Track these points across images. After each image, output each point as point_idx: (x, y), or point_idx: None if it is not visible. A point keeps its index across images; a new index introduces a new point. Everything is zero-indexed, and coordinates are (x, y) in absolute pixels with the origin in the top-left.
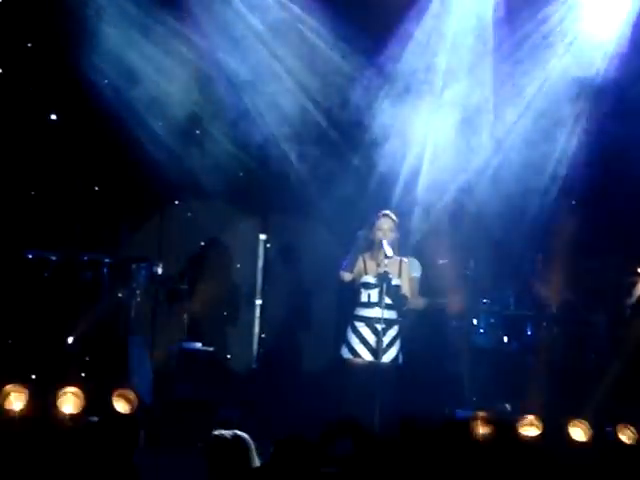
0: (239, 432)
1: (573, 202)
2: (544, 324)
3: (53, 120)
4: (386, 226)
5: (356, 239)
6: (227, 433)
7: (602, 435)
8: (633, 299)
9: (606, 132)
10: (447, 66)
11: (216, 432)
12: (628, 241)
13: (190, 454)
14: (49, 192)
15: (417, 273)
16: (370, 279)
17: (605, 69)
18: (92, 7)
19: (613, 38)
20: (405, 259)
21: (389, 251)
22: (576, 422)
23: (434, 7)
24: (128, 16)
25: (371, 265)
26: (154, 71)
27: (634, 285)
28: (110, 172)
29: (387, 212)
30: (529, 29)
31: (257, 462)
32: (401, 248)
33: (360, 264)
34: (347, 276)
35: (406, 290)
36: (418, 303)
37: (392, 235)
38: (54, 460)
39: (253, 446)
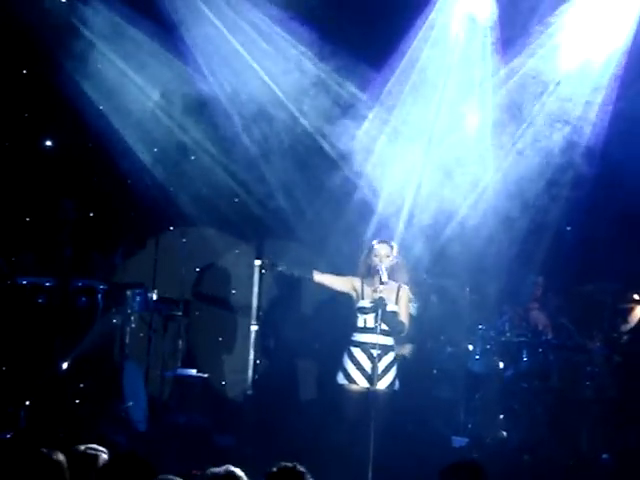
0: (231, 467)
1: (568, 228)
2: (540, 350)
3: (48, 146)
4: (383, 252)
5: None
6: (219, 470)
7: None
8: (629, 325)
9: (601, 158)
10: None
11: (208, 471)
12: (624, 267)
13: None
14: (44, 218)
15: (413, 302)
16: (366, 304)
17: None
18: (87, 36)
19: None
20: (404, 286)
21: (385, 277)
22: None
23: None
24: (123, 44)
25: (368, 290)
26: (148, 99)
27: (630, 311)
28: (105, 198)
29: (383, 239)
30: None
31: None
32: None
33: (357, 288)
34: (315, 275)
35: (403, 317)
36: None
37: (389, 261)
38: None
39: None
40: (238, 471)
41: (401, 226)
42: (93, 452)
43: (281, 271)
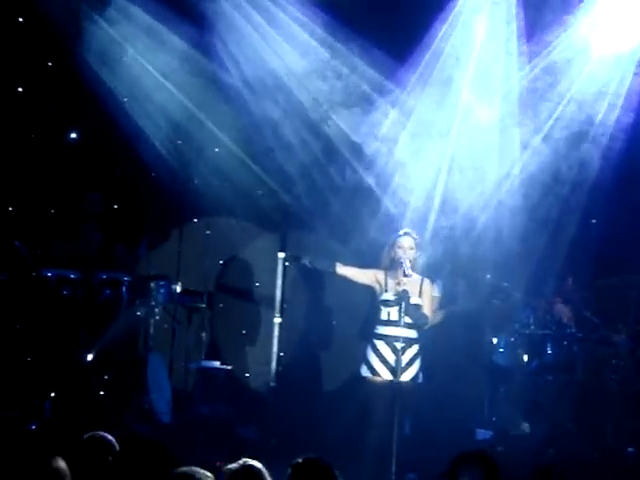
0: (250, 460)
1: (594, 220)
2: (564, 343)
3: (73, 138)
4: (406, 244)
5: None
6: (237, 465)
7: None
8: None
9: (624, 149)
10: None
11: (226, 468)
12: None
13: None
14: (69, 210)
15: (437, 293)
16: (390, 297)
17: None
18: (111, 28)
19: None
20: (427, 279)
21: (408, 270)
22: None
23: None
24: (147, 35)
25: (391, 283)
26: (173, 89)
27: None
28: (129, 190)
29: (408, 230)
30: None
31: None
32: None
33: (381, 281)
34: (338, 268)
35: (427, 310)
36: (436, 318)
37: (412, 253)
38: None
39: (265, 473)
40: (256, 463)
41: (432, 218)
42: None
43: (304, 264)
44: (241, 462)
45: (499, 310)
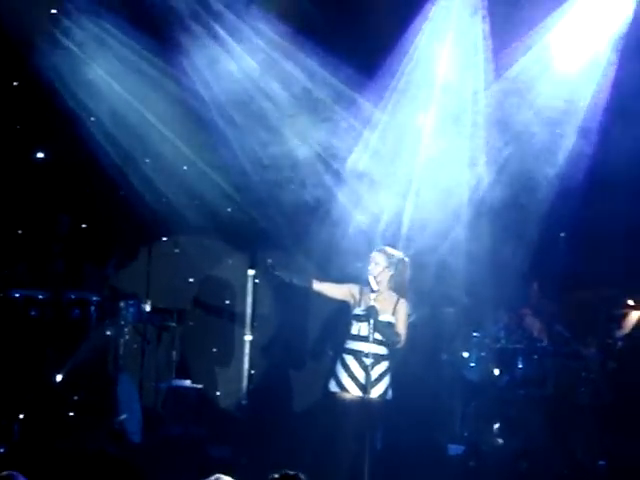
0: (222, 476)
1: (562, 234)
2: (535, 357)
3: (40, 158)
4: (373, 261)
5: None
6: None
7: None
8: (624, 331)
9: (594, 163)
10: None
11: None
12: (619, 273)
13: None
14: (36, 231)
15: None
16: (360, 311)
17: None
18: (78, 45)
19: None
20: (402, 299)
21: (374, 285)
22: None
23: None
24: (114, 55)
25: (365, 298)
26: (140, 108)
27: (625, 317)
28: (97, 210)
29: (383, 247)
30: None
31: None
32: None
33: (355, 295)
34: (314, 283)
35: (400, 329)
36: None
37: (379, 270)
38: None
39: None
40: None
41: (404, 233)
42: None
43: (279, 277)
44: (214, 477)
45: (453, 317)
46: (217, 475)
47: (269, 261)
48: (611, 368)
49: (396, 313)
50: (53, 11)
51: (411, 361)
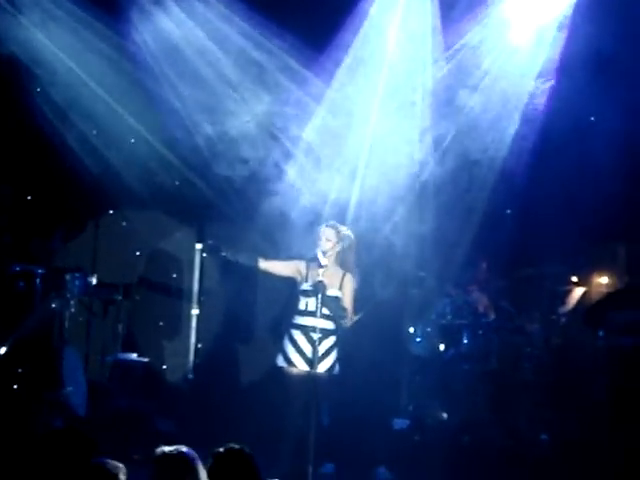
0: (183, 448)
1: (508, 211)
2: (480, 332)
3: None
4: (324, 236)
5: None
6: (170, 449)
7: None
8: (568, 308)
9: (543, 144)
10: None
11: (159, 449)
12: (563, 250)
13: (126, 467)
14: None
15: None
16: (307, 287)
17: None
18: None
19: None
20: (348, 273)
21: (323, 260)
22: None
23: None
24: (60, 24)
25: (312, 274)
26: (87, 79)
27: (569, 294)
28: (43, 182)
29: (331, 222)
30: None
31: (204, 477)
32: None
33: (302, 271)
34: (260, 262)
35: (347, 303)
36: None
37: (330, 245)
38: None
39: (198, 462)
40: (190, 451)
41: (351, 211)
42: None
43: (225, 256)
44: (174, 448)
45: (416, 299)
46: (178, 446)
47: (210, 242)
48: (554, 344)
49: (343, 288)
50: None
51: (357, 336)
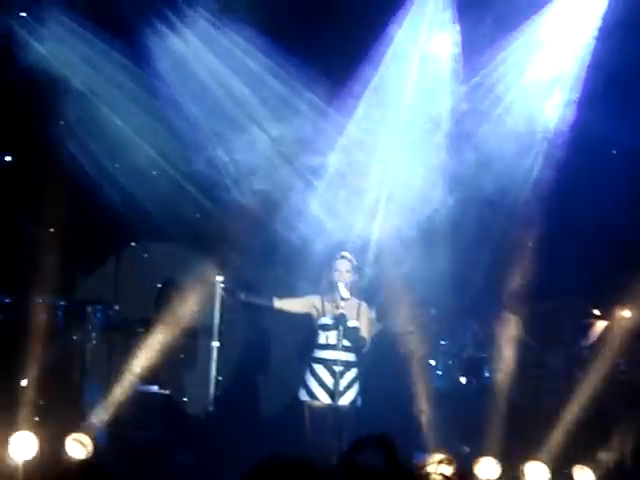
0: None
1: (530, 244)
2: (501, 366)
3: (7, 161)
4: (343, 268)
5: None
6: None
7: (559, 477)
8: (590, 341)
9: (562, 176)
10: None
11: None
12: (585, 283)
13: None
14: (4, 235)
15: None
16: (327, 320)
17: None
18: (45, 45)
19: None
20: (364, 302)
21: (345, 293)
22: (533, 463)
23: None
24: (82, 57)
25: (329, 307)
26: (110, 112)
27: (591, 327)
28: (66, 214)
29: (345, 254)
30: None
31: None
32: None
33: (318, 306)
34: (275, 302)
35: (365, 332)
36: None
37: (349, 277)
38: None
39: None
40: None
41: (373, 242)
42: None
43: (240, 298)
44: None
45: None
46: None
47: (224, 285)
48: (577, 377)
49: (360, 317)
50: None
51: (379, 368)
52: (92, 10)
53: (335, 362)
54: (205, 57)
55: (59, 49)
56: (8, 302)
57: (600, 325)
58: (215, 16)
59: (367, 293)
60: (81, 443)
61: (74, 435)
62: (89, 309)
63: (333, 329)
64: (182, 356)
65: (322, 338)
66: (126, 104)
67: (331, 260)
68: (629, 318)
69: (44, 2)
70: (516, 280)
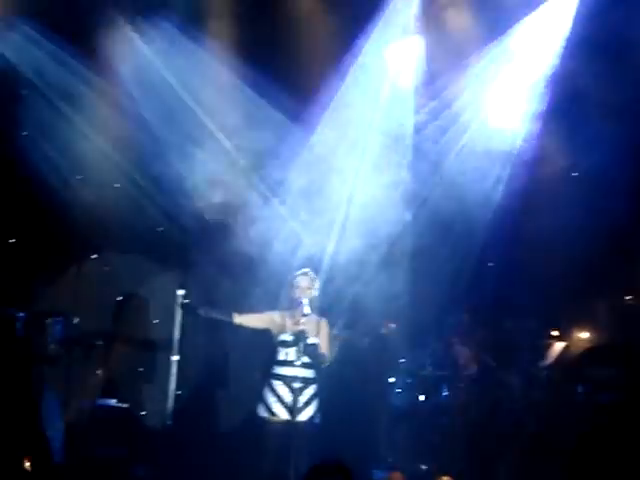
0: None
1: (490, 264)
2: (460, 385)
3: None
4: (304, 284)
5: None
6: None
7: None
8: (548, 361)
9: (524, 197)
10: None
11: None
12: (544, 304)
13: None
14: None
15: (336, 331)
16: (287, 337)
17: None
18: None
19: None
20: (324, 319)
21: (307, 309)
22: None
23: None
24: (46, 68)
25: (289, 323)
26: (73, 123)
27: (549, 347)
28: (26, 225)
29: (306, 270)
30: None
31: None
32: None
33: (278, 322)
34: (235, 317)
35: (324, 348)
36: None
37: (310, 293)
38: None
39: None
40: None
41: (326, 259)
42: None
43: (200, 314)
44: None
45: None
46: None
47: (185, 302)
48: (535, 398)
49: (320, 333)
50: None
51: (337, 386)
52: (52, 17)
53: (294, 379)
54: (169, 67)
55: (21, 57)
56: None
57: (558, 346)
58: (180, 27)
59: (326, 309)
60: (37, 456)
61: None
62: (48, 321)
63: (293, 345)
64: (141, 370)
65: (282, 354)
66: (88, 115)
67: (292, 276)
68: (587, 339)
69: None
70: (475, 299)
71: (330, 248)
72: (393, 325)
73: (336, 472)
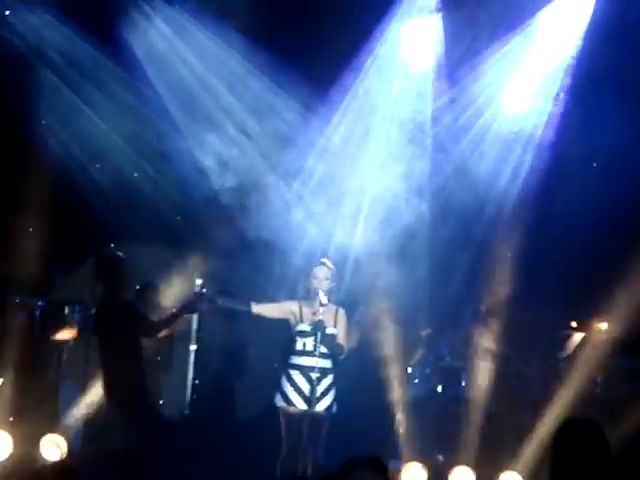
0: None
1: (509, 254)
2: (478, 376)
3: None
4: (322, 274)
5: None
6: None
7: None
8: (566, 353)
9: (543, 186)
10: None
11: None
12: (563, 295)
13: None
14: None
15: (358, 317)
16: (305, 327)
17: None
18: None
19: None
20: (341, 309)
21: (324, 299)
22: (508, 473)
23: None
24: (65, 59)
25: (307, 313)
26: (91, 112)
27: (567, 339)
28: (45, 213)
29: (324, 260)
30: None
31: None
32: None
33: (296, 312)
34: (253, 307)
35: (342, 339)
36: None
37: (328, 284)
38: None
39: None
40: None
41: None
42: None
43: (219, 304)
44: None
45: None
46: None
47: (203, 292)
48: (553, 389)
49: (337, 323)
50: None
51: (355, 376)
52: (70, 1)
53: (312, 369)
54: (188, 52)
55: (39, 42)
56: None
57: (577, 337)
58: (198, 11)
59: (346, 300)
60: (56, 444)
61: (49, 436)
62: (67, 309)
63: (310, 335)
64: (159, 359)
65: (299, 344)
66: (106, 104)
67: (310, 266)
68: (606, 331)
69: None
70: (494, 290)
71: (350, 240)
72: (429, 330)
73: (374, 467)
